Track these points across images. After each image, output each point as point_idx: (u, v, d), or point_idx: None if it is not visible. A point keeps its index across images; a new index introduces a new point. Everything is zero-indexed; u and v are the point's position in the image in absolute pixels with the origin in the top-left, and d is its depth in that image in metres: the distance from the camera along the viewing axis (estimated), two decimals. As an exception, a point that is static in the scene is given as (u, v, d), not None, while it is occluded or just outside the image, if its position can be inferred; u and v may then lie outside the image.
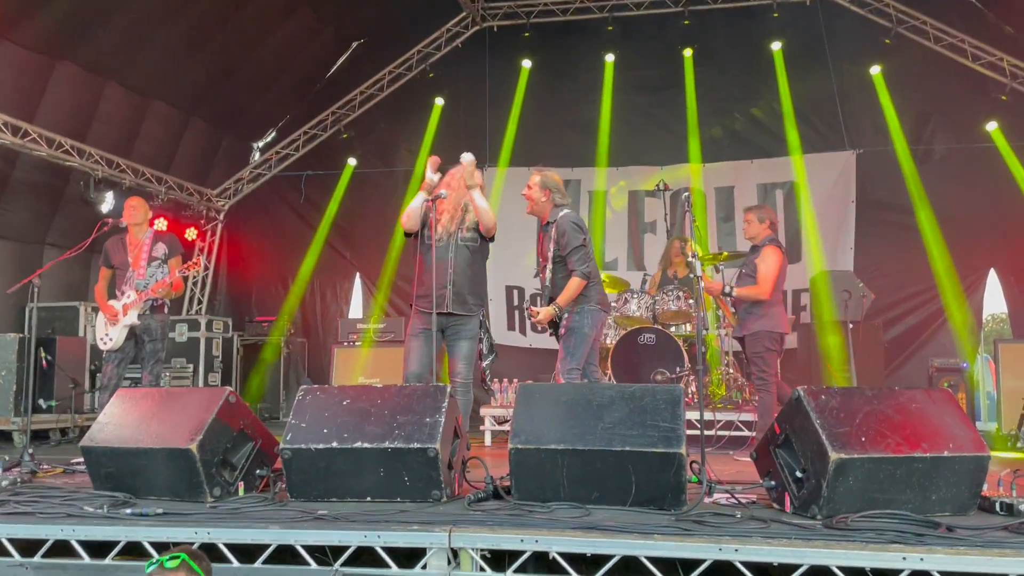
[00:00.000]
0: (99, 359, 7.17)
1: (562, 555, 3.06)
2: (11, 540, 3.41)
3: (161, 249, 6.17)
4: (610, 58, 10.22)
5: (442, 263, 5.00)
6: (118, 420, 4.03)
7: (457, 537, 3.12)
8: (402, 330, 9.24)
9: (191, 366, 9.54)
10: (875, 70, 9.55)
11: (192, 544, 3.14)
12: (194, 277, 10.93)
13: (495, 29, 10.78)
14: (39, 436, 7.50)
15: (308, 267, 10.73)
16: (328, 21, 9.75)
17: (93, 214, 8.45)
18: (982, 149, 9.15)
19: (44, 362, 7.70)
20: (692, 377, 7.05)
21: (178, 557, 2.68)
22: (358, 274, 11.04)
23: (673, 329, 7.59)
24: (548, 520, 3.29)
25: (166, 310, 6.21)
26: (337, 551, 3.21)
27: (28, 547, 3.41)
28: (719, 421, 6.92)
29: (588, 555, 3.06)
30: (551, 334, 5.34)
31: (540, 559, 3.13)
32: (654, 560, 3.00)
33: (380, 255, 10.36)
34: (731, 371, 7.63)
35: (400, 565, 3.17)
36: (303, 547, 3.22)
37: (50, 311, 8.74)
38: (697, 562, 2.96)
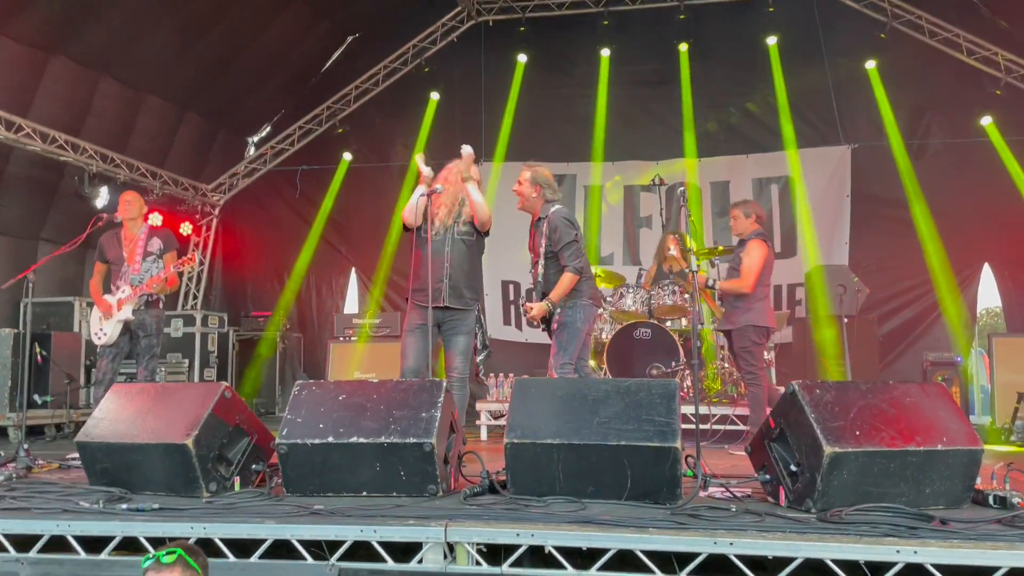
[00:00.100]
0: (94, 354, 7.17)
1: (558, 549, 3.07)
2: (7, 536, 3.41)
3: (156, 244, 6.16)
4: (606, 53, 10.20)
5: (438, 257, 5.01)
6: (113, 415, 4.03)
7: (453, 531, 3.13)
8: (398, 325, 9.25)
9: (187, 361, 9.53)
10: (870, 65, 9.56)
11: (188, 539, 3.14)
12: (189, 272, 10.91)
13: (490, 23, 10.76)
14: (34, 431, 7.50)
15: (304, 262, 10.72)
16: (323, 15, 9.73)
17: (88, 209, 8.43)
18: (977, 144, 9.17)
19: (39, 357, 7.70)
20: (687, 371, 7.07)
21: (174, 552, 2.68)
22: (353, 269, 11.03)
23: (669, 324, 7.61)
24: (544, 514, 3.29)
25: (161, 305, 6.20)
26: (333, 546, 3.21)
27: (24, 542, 3.41)
28: (714, 415, 6.93)
29: (584, 549, 3.06)
30: (543, 329, 5.36)
31: (536, 553, 3.13)
32: (649, 554, 3.01)
33: (375, 250, 10.35)
34: (726, 365, 7.65)
35: (396, 559, 3.18)
36: (299, 542, 3.22)
37: (45, 306, 8.72)
38: (692, 555, 2.97)
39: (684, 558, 2.99)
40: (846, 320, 7.45)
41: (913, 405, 3.54)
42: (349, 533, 3.19)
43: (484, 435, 7.46)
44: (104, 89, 8.65)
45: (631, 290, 7.90)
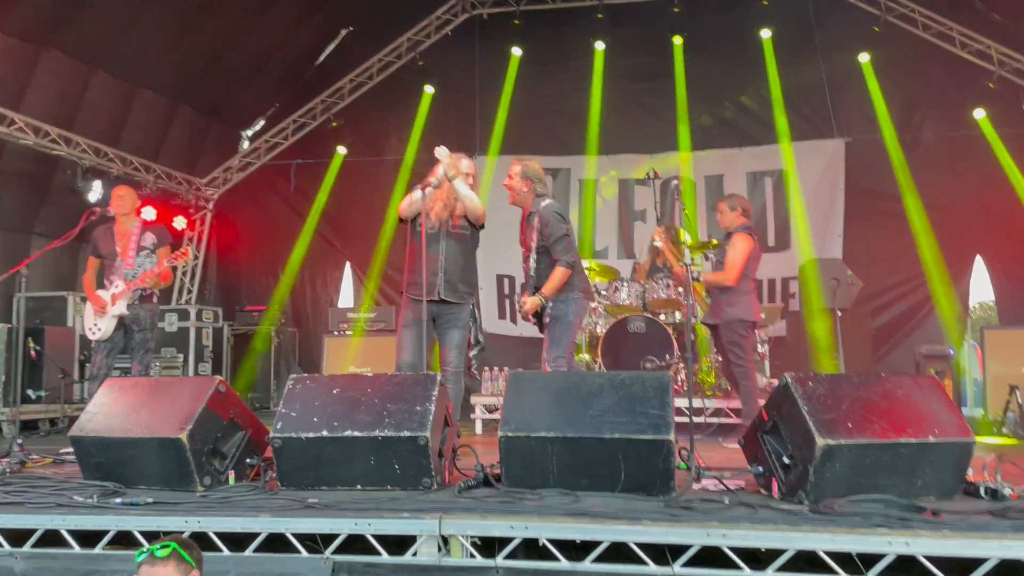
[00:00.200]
0: (88, 349, 7.16)
1: (552, 541, 3.08)
2: (1, 530, 3.41)
3: (150, 239, 6.14)
4: (600, 46, 10.19)
5: (433, 251, 5.02)
6: (107, 410, 4.03)
7: (447, 524, 3.14)
8: (392, 319, 9.26)
9: (181, 356, 9.53)
10: (864, 58, 9.57)
11: (182, 533, 3.14)
12: (183, 266, 10.88)
13: (485, 17, 10.74)
14: (28, 426, 7.48)
15: (298, 256, 10.70)
16: (317, 8, 9.69)
17: (81, 203, 8.40)
18: (970, 136, 9.19)
19: (33, 352, 7.68)
20: (682, 365, 7.08)
21: (168, 546, 2.68)
22: (348, 263, 11.03)
23: (663, 317, 7.62)
24: (538, 507, 3.30)
25: (155, 300, 6.18)
26: (327, 539, 3.22)
27: (17, 537, 3.41)
28: (708, 408, 6.95)
29: (578, 541, 3.08)
30: (535, 323, 5.37)
31: (530, 545, 3.15)
32: (643, 546, 3.02)
33: (370, 244, 10.34)
34: (720, 359, 7.66)
35: (391, 552, 3.19)
36: (294, 535, 3.23)
37: (38, 301, 8.70)
38: (685, 547, 2.99)
39: (678, 550, 3.01)
40: (839, 313, 7.47)
41: (905, 397, 3.56)
42: (343, 526, 3.20)
43: (479, 429, 7.47)
44: (97, 83, 8.62)
45: (625, 284, 7.91)
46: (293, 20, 9.65)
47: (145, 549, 2.69)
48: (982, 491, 3.46)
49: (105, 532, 3.34)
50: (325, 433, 3.71)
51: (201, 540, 3.11)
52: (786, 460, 3.48)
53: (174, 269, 6.49)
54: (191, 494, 3.70)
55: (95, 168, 8.89)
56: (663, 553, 3.04)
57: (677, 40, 10.04)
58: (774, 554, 2.93)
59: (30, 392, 7.59)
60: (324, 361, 9.21)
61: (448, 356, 5.11)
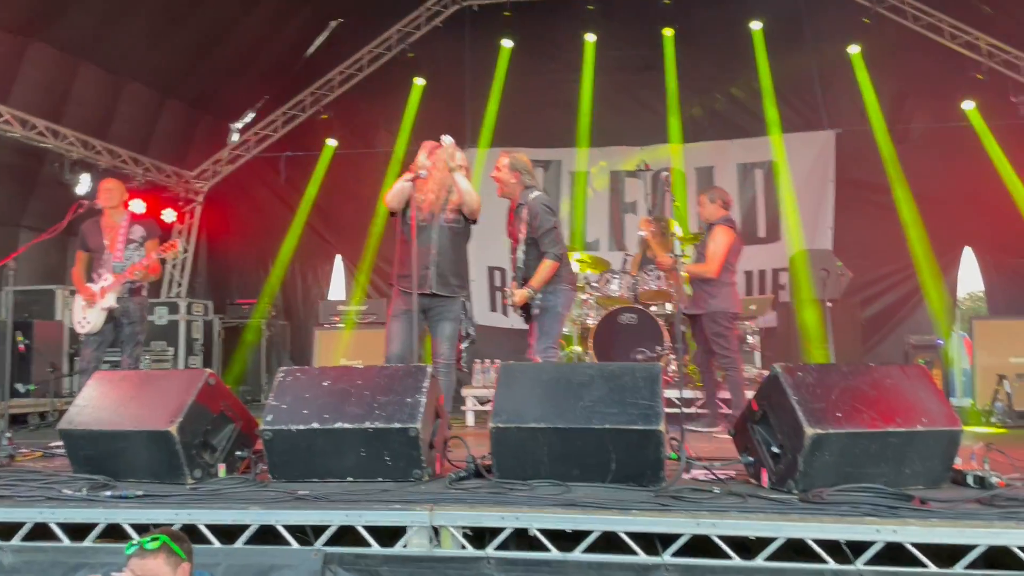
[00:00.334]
0: (77, 343, 7.13)
1: (542, 532, 3.09)
2: (-10, 524, 3.40)
3: (138, 232, 6.12)
4: (591, 38, 10.17)
5: (425, 244, 5.01)
6: (97, 403, 4.01)
7: (438, 515, 3.14)
8: (384, 312, 9.22)
9: (171, 349, 9.50)
10: (854, 49, 9.58)
11: (173, 526, 3.14)
12: (173, 259, 10.83)
13: (475, 8, 10.70)
14: (17, 420, 7.45)
15: (288, 249, 10.66)
16: (306, 0, 9.64)
17: (69, 196, 8.33)
18: (959, 128, 9.22)
19: (21, 346, 7.64)
20: (672, 356, 7.10)
21: (159, 539, 2.68)
22: (339, 256, 11.00)
23: (654, 309, 7.63)
24: (529, 497, 3.31)
25: (144, 293, 6.16)
26: (318, 531, 3.22)
27: (6, 530, 3.39)
28: (698, 399, 6.97)
29: (568, 531, 3.09)
30: (521, 315, 5.39)
31: (521, 536, 3.16)
32: (633, 535, 3.03)
33: (361, 237, 10.31)
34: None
35: (382, 544, 3.19)
36: (284, 527, 3.23)
37: (27, 295, 8.65)
38: (675, 537, 3.00)
39: (667, 539, 3.02)
40: (829, 304, 7.48)
41: (894, 387, 3.57)
42: (334, 518, 3.20)
43: (471, 421, 7.47)
44: (84, 75, 8.56)
45: (616, 275, 7.92)
46: (282, 12, 9.59)
47: (135, 542, 2.69)
48: (970, 480, 3.48)
49: (94, 525, 3.34)
50: (315, 425, 3.71)
51: (191, 533, 3.11)
52: (775, 450, 3.49)
53: (163, 262, 6.46)
54: (181, 487, 3.69)
55: (83, 161, 8.83)
56: (653, 543, 3.05)
57: (668, 32, 10.03)
58: (763, 543, 2.95)
59: (19, 386, 7.56)
60: (315, 354, 9.19)
61: (439, 348, 5.11)
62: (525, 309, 5.31)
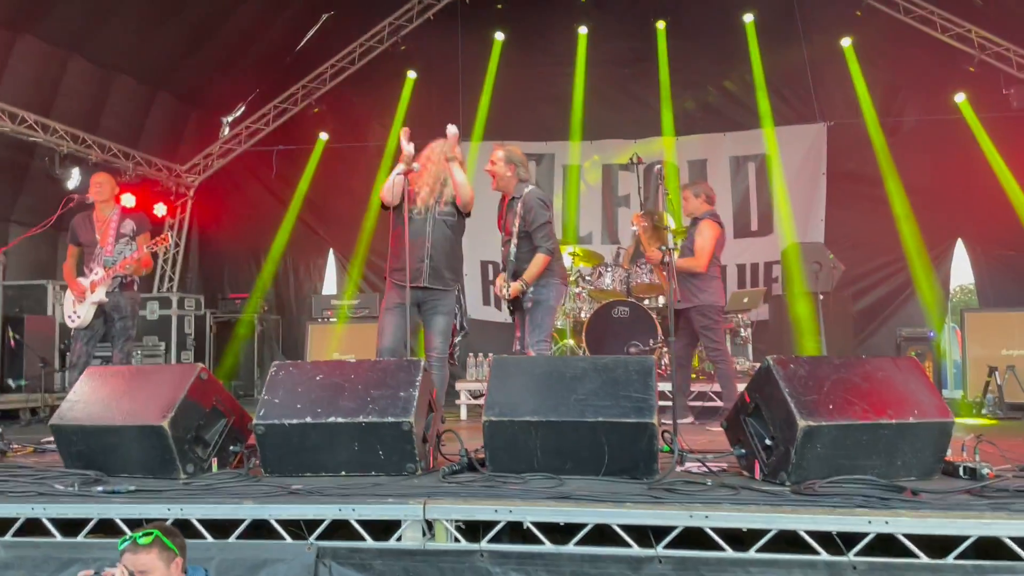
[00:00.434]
0: (68, 338, 7.10)
1: (536, 525, 3.10)
2: (-19, 519, 3.38)
3: (129, 226, 6.09)
4: (583, 30, 10.16)
5: (419, 237, 5.01)
6: (88, 398, 3.99)
7: (432, 509, 3.14)
8: (376, 306, 9.23)
9: (163, 344, 9.47)
10: (846, 42, 9.59)
11: (165, 520, 3.14)
12: (164, 254, 10.80)
13: (467, 0, 10.65)
14: (8, 416, 7.42)
15: (280, 243, 10.64)
16: (297, -8, 9.61)
17: (59, 190, 8.30)
18: (950, 121, 9.24)
19: (12, 341, 7.61)
20: (665, 349, 7.11)
21: (151, 533, 2.67)
22: (331, 250, 10.98)
23: (647, 302, 7.64)
24: (522, 491, 3.32)
25: (135, 287, 6.14)
26: (312, 525, 3.21)
27: (-2, 526, 3.39)
28: (691, 392, 6.99)
29: (562, 524, 3.09)
30: (509, 308, 5.41)
31: (514, 529, 3.16)
32: (626, 528, 3.04)
33: (353, 231, 10.29)
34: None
35: (375, 538, 3.19)
36: (277, 521, 3.23)
37: (17, 289, 8.61)
38: (668, 529, 3.01)
39: (661, 532, 3.03)
40: (821, 297, 7.52)
41: (885, 379, 3.59)
42: (328, 512, 3.20)
43: (464, 415, 7.48)
44: (74, 68, 8.50)
45: (609, 269, 7.93)
46: (273, 5, 9.54)
47: (128, 537, 2.68)
48: (961, 471, 3.50)
49: (87, 520, 3.32)
50: (308, 420, 3.70)
51: (184, 527, 3.10)
52: (768, 442, 3.50)
53: (155, 256, 6.45)
54: (174, 481, 3.68)
55: (73, 155, 8.78)
56: (646, 535, 3.06)
57: (660, 25, 10.03)
58: (756, 535, 2.96)
59: (10, 381, 7.53)
60: (308, 348, 9.18)
61: (433, 342, 5.11)
62: (515, 303, 5.33)
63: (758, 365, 3.83)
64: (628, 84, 10.39)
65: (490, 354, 7.79)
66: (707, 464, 3.80)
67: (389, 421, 3.64)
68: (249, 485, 3.58)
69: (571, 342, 7.81)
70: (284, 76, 10.66)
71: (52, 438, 4.09)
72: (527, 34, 10.43)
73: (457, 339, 5.25)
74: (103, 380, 4.11)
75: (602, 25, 10.18)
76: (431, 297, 5.08)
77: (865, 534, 2.88)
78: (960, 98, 9.22)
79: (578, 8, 10.24)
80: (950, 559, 2.84)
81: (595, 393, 3.60)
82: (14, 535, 3.36)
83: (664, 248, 4.81)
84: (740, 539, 3.00)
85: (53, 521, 3.34)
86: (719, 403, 6.77)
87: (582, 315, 7.78)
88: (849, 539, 2.91)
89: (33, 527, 3.36)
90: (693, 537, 3.01)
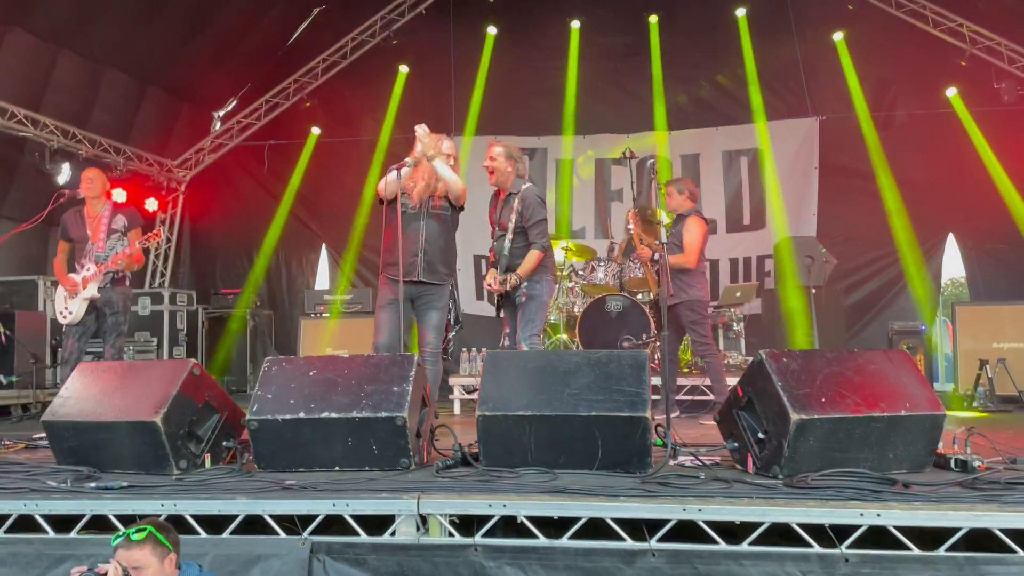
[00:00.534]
0: (60, 333, 7.06)
1: (530, 519, 3.10)
2: (-27, 516, 3.37)
3: (121, 222, 6.07)
4: (576, 24, 10.15)
5: (413, 232, 5.02)
6: (80, 394, 3.98)
7: (426, 503, 3.14)
8: (369, 301, 9.23)
9: (155, 340, 9.44)
10: (838, 36, 9.60)
11: (159, 516, 3.13)
12: (156, 249, 10.76)
13: (459, -6, 10.64)
14: (0, 412, 7.39)
15: (273, 238, 10.61)
16: (288, -14, 9.56)
17: (49, 185, 8.26)
18: (942, 115, 9.27)
19: (3, 337, 7.57)
20: (659, 343, 7.13)
21: (144, 529, 2.67)
22: (324, 245, 10.95)
23: (640, 296, 7.65)
24: (516, 485, 3.32)
25: (127, 283, 6.12)
26: (306, 520, 3.21)
27: (-9, 523, 3.37)
28: (684, 386, 7.01)
29: (555, 518, 3.10)
30: (498, 305, 5.46)
31: (508, 523, 3.16)
32: (620, 521, 3.05)
33: (346, 226, 10.26)
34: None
35: (369, 532, 3.19)
36: (271, 517, 3.22)
37: (8, 285, 8.58)
38: (662, 522, 3.01)
39: (654, 525, 3.03)
40: (814, 291, 7.55)
41: (877, 372, 3.60)
42: (321, 507, 3.20)
43: (457, 409, 7.48)
44: (64, 63, 8.45)
45: (603, 263, 7.94)
46: (264, -1, 9.51)
47: (121, 533, 2.68)
48: (952, 463, 3.51)
49: (80, 516, 3.31)
50: (302, 415, 3.70)
51: (178, 523, 3.10)
52: (761, 435, 3.51)
53: (146, 251, 6.42)
54: (167, 477, 3.67)
55: (63, 150, 8.74)
56: (640, 528, 3.07)
57: (653, 19, 10.03)
58: (749, 527, 2.97)
59: (1, 377, 7.49)
60: (300, 343, 9.17)
61: (427, 337, 5.12)
62: (504, 299, 5.38)
63: (751, 359, 3.84)
64: (621, 78, 10.38)
65: (483, 349, 7.79)
66: (700, 458, 3.81)
67: (383, 416, 3.64)
68: (242, 481, 3.57)
69: (564, 336, 7.82)
70: (275, 70, 10.62)
71: (44, 434, 4.08)
72: (519, 28, 10.41)
73: (451, 334, 5.28)
74: (95, 376, 4.10)
75: (595, 19, 10.17)
76: (425, 292, 5.09)
77: (857, 527, 2.90)
78: (951, 92, 9.24)
79: (570, 2, 10.22)
80: (941, 551, 2.86)
81: (588, 387, 3.60)
82: (6, 532, 3.35)
83: (658, 243, 4.82)
84: (733, 532, 3.01)
85: (46, 517, 3.33)
86: (709, 396, 6.80)
87: (575, 309, 7.78)
88: (841, 532, 2.93)
89: (25, 524, 3.35)
90: (686, 530, 3.02)
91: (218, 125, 10.61)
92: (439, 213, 5.12)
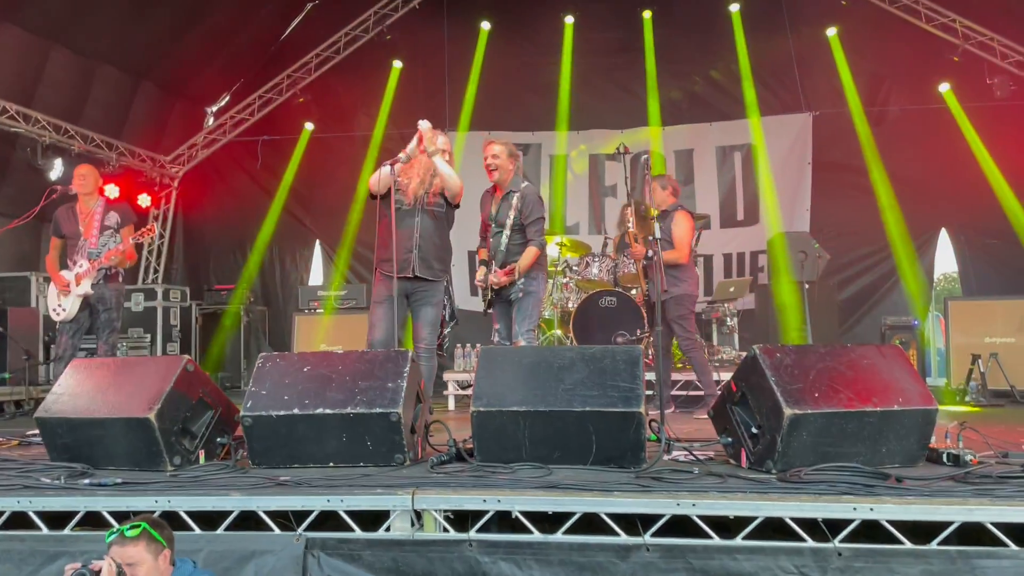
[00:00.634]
0: (53, 330, 7.05)
1: (524, 514, 3.11)
2: (-33, 513, 3.36)
3: (113, 218, 6.05)
4: (569, 20, 10.14)
5: (408, 228, 5.02)
6: (73, 391, 3.97)
7: (420, 499, 3.15)
8: (363, 297, 9.22)
9: (148, 336, 9.42)
10: (831, 32, 9.61)
11: (153, 513, 3.12)
12: (149, 245, 10.73)
13: (452, -11, 10.61)
14: (-7, 409, 7.37)
15: (266, 234, 10.58)
16: (282, -19, 9.52)
17: (42, 181, 8.22)
18: (935, 110, 9.30)
19: (-5, 334, 7.54)
20: (653, 339, 7.14)
21: (139, 526, 2.67)
22: (318, 241, 10.94)
23: (634, 292, 7.66)
24: (510, 480, 3.33)
25: (120, 279, 6.10)
26: (300, 516, 3.21)
27: (-16, 520, 3.36)
28: (678, 381, 7.03)
29: (550, 513, 3.10)
30: (490, 298, 5.51)
31: (503, 518, 3.17)
32: (614, 516, 3.06)
33: (339, 221, 10.25)
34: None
35: (364, 528, 3.19)
36: (266, 513, 3.22)
37: (0, 282, 8.53)
38: (656, 517, 3.03)
39: (648, 520, 3.04)
40: (807, 286, 7.56)
41: (870, 367, 3.61)
42: (316, 503, 3.20)
43: (452, 405, 7.48)
44: (56, 58, 8.40)
45: (596, 259, 7.94)
46: (258, -7, 9.47)
47: (115, 529, 2.68)
48: (944, 457, 3.53)
49: (74, 513, 3.31)
50: (296, 411, 3.69)
51: (172, 520, 3.10)
52: (754, 430, 3.53)
53: (139, 247, 6.40)
54: (161, 474, 3.66)
55: (55, 145, 8.70)
56: (634, 523, 3.08)
57: (647, 14, 10.02)
58: (743, 522, 2.98)
59: (-7, 374, 7.47)
60: (295, 339, 9.15)
61: (421, 333, 5.13)
62: (498, 294, 5.44)
63: (744, 354, 3.85)
64: (615, 74, 10.38)
65: (478, 345, 7.80)
66: (694, 453, 3.82)
67: (377, 412, 3.64)
68: (237, 477, 3.57)
69: (559, 332, 7.83)
70: (269, 66, 10.58)
71: (37, 431, 4.07)
72: (513, 23, 10.39)
73: (446, 330, 5.30)
74: (88, 372, 4.09)
75: (588, 15, 10.16)
76: (420, 288, 5.09)
77: (850, 520, 2.91)
78: (944, 88, 9.27)
79: (564, -3, 10.21)
80: (934, 545, 2.87)
81: (583, 383, 3.61)
82: (0, 529, 3.34)
83: (652, 239, 4.84)
84: (727, 526, 3.03)
85: (39, 514, 3.32)
86: (702, 391, 6.81)
87: (569, 305, 7.79)
88: (834, 526, 2.94)
89: (19, 520, 3.34)
90: (680, 525, 3.03)
91: (211, 121, 10.58)
92: (434, 210, 5.12)
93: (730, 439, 3.72)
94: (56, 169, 8.51)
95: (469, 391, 7.01)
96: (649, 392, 3.67)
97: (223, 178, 11.06)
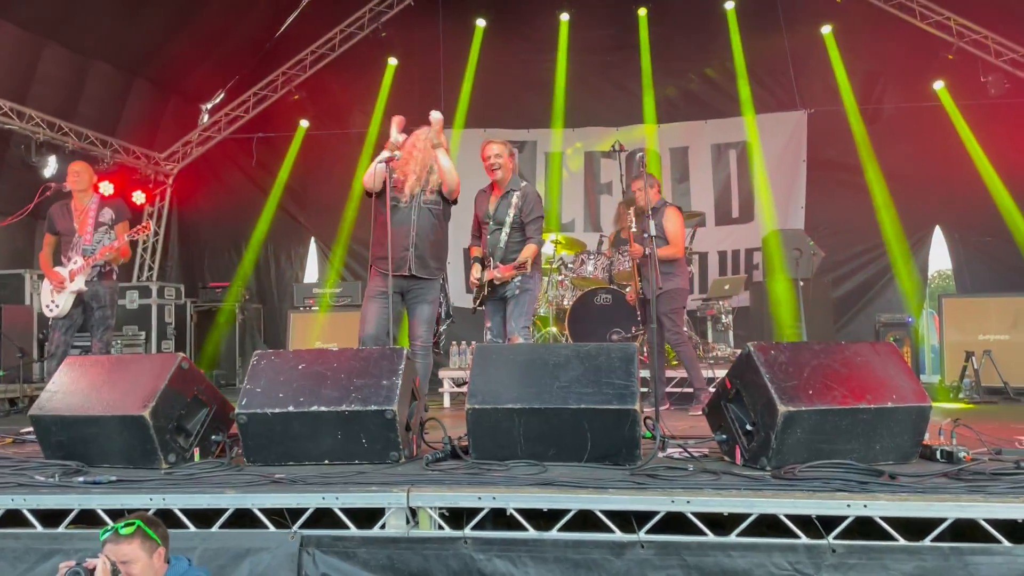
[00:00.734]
0: (47, 327, 7.02)
1: (519, 511, 3.11)
2: (-40, 511, 3.35)
3: (108, 215, 6.04)
4: (565, 17, 10.12)
5: (404, 225, 5.01)
6: (67, 388, 3.96)
7: (415, 497, 3.15)
8: (358, 294, 9.21)
9: (143, 333, 9.39)
10: (826, 29, 9.62)
11: (147, 511, 3.12)
12: (143, 242, 10.71)
13: (447, -14, 10.59)
14: (-13, 407, 7.35)
15: (261, 231, 10.56)
16: (277, -22, 9.49)
17: (36, 178, 8.20)
18: (929, 108, 9.31)
19: (-11, 331, 7.52)
20: (647, 336, 7.15)
21: (133, 524, 2.66)
22: (313, 238, 10.93)
23: (629, 289, 7.67)
24: (505, 478, 3.33)
25: (114, 276, 6.09)
26: (295, 514, 3.21)
27: (-22, 518, 3.36)
28: (673, 378, 7.04)
29: (545, 510, 3.11)
30: (484, 295, 5.52)
31: (498, 516, 3.18)
32: (609, 514, 3.06)
33: (335, 219, 10.23)
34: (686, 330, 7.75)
35: (359, 526, 3.19)
36: (261, 510, 3.22)
37: (-6, 279, 8.51)
38: (650, 514, 3.03)
39: (643, 517, 3.05)
40: (802, 283, 7.59)
41: (864, 364, 3.62)
42: (311, 501, 3.20)
43: (447, 402, 7.48)
44: (50, 55, 8.36)
45: (592, 256, 7.95)
46: (252, -10, 9.44)
47: (109, 527, 2.67)
48: (938, 454, 3.55)
49: (68, 511, 3.30)
50: (291, 408, 3.69)
51: (166, 517, 3.10)
52: (749, 427, 3.54)
53: (134, 244, 6.39)
54: (155, 471, 3.66)
55: (49, 143, 8.67)
56: (629, 520, 3.09)
57: (642, 12, 10.01)
58: (737, 519, 2.99)
59: (-13, 372, 7.45)
60: (290, 337, 9.15)
61: (417, 331, 5.12)
62: (492, 291, 5.45)
63: (739, 352, 3.86)
64: (610, 71, 10.38)
65: (473, 342, 7.80)
66: (689, 450, 3.82)
67: (372, 409, 3.64)
68: (232, 474, 3.56)
69: (554, 329, 7.83)
70: (264, 63, 10.54)
71: (31, 428, 4.06)
72: (508, 20, 10.37)
73: (442, 327, 5.29)
74: (83, 370, 4.08)
75: (584, 12, 10.15)
76: (416, 286, 5.08)
77: (844, 517, 2.92)
78: (939, 85, 9.29)
79: (560, -6, 10.20)
80: (927, 541, 2.89)
81: (578, 380, 3.61)
82: (-6, 527, 3.34)
83: (647, 236, 4.85)
84: (721, 523, 3.03)
85: (33, 512, 3.32)
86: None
87: (565, 302, 7.80)
88: (828, 523, 2.95)
89: (13, 519, 3.33)
90: (675, 522, 3.04)
91: (206, 118, 10.53)
92: (431, 207, 5.10)
93: (724, 436, 3.73)
94: (50, 166, 8.49)
95: (464, 388, 7.02)
96: (644, 389, 3.67)
97: (218, 175, 11.04)
